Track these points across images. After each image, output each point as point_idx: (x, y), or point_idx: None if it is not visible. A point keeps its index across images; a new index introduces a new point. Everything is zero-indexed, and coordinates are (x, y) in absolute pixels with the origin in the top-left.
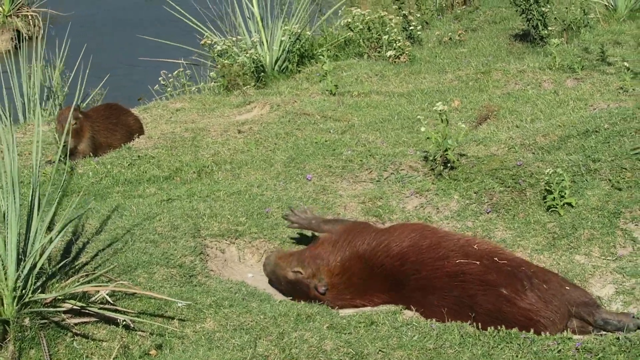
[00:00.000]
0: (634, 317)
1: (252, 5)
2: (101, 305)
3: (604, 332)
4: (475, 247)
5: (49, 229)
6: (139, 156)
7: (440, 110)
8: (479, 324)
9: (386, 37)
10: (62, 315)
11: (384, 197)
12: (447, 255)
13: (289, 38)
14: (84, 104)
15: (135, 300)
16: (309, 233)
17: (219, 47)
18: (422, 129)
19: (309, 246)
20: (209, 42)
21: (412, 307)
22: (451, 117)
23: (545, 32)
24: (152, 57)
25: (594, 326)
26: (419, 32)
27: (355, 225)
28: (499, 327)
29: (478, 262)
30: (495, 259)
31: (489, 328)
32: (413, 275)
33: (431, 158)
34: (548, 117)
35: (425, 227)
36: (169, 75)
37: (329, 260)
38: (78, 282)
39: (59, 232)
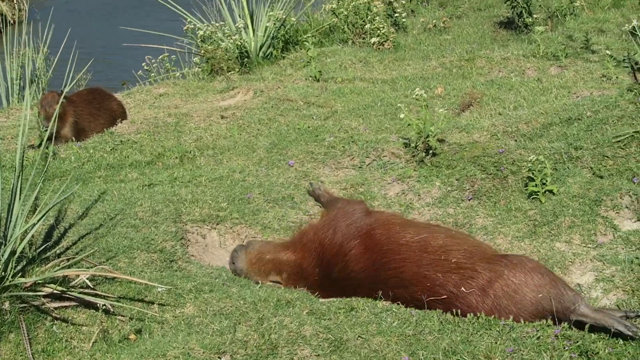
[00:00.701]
0: (626, 316)
1: None
2: (81, 290)
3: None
4: (439, 275)
5: (31, 213)
6: (121, 141)
7: (419, 96)
8: None
9: (370, 24)
10: (42, 299)
11: (365, 183)
12: (412, 292)
13: (274, 24)
14: (68, 89)
15: (115, 285)
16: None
17: (202, 33)
18: (402, 116)
19: (282, 244)
20: (192, 27)
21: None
22: (434, 104)
23: (530, 19)
24: (137, 42)
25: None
26: (404, 19)
27: (334, 219)
28: (478, 314)
29: (445, 296)
30: (463, 289)
31: (468, 315)
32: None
33: (413, 145)
34: (531, 104)
35: (386, 250)
36: (153, 60)
37: (307, 267)
38: (58, 266)
39: (41, 216)
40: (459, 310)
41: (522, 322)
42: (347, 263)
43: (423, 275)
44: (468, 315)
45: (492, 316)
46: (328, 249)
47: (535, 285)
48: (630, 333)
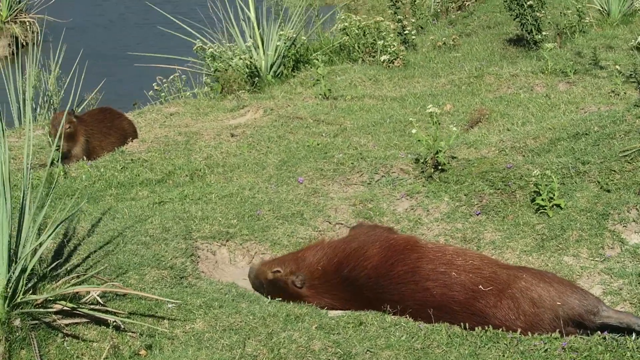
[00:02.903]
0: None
1: (249, 10)
2: (92, 306)
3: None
4: (456, 273)
5: (41, 231)
6: (132, 159)
7: (432, 112)
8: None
9: (381, 42)
10: (53, 316)
11: (374, 199)
12: (426, 287)
13: (285, 43)
14: (79, 109)
15: (125, 302)
16: (301, 235)
17: (212, 51)
18: (413, 131)
19: (295, 251)
20: (204, 46)
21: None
22: (443, 121)
23: (539, 36)
24: (148, 62)
25: (593, 330)
26: (413, 37)
27: (354, 234)
28: (486, 327)
29: (462, 298)
30: (480, 286)
31: (476, 328)
32: (395, 301)
33: (422, 160)
34: (539, 120)
35: (404, 248)
36: (164, 80)
37: (311, 262)
38: (69, 283)
39: (50, 234)
40: (475, 309)
41: (540, 326)
42: (359, 262)
43: (441, 271)
44: (476, 328)
45: (509, 316)
46: (341, 251)
47: (556, 291)
48: None
